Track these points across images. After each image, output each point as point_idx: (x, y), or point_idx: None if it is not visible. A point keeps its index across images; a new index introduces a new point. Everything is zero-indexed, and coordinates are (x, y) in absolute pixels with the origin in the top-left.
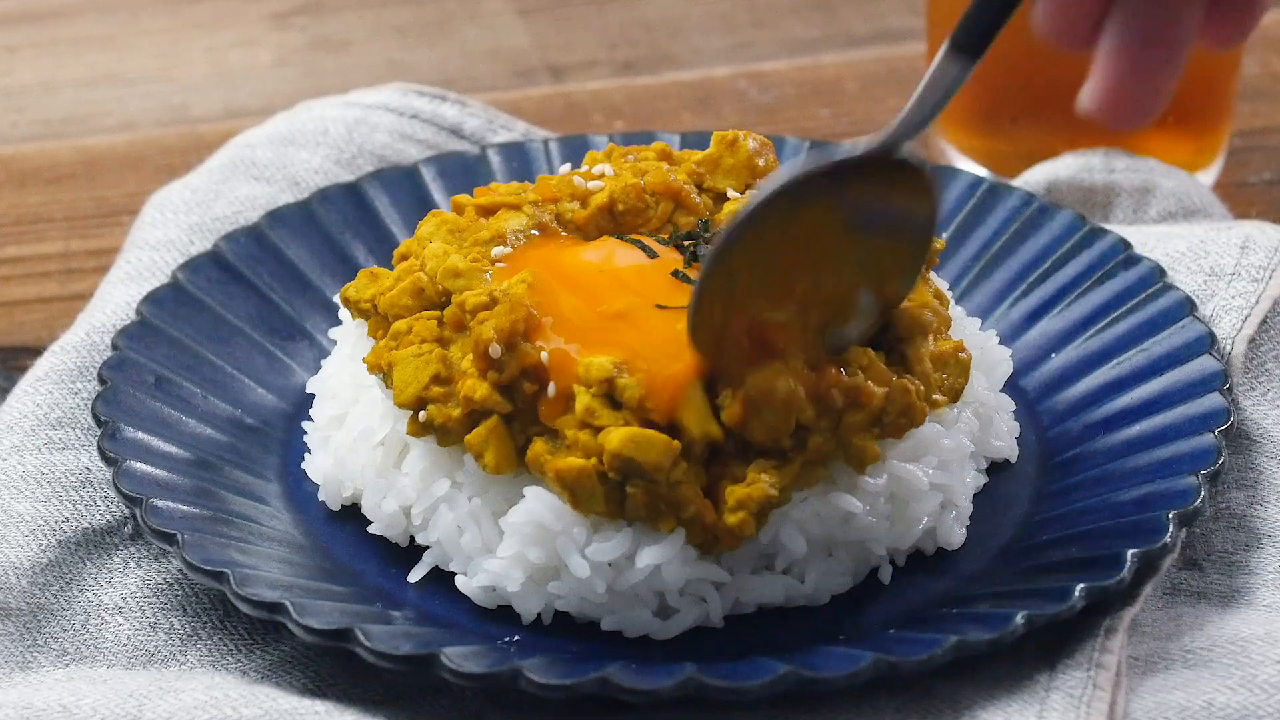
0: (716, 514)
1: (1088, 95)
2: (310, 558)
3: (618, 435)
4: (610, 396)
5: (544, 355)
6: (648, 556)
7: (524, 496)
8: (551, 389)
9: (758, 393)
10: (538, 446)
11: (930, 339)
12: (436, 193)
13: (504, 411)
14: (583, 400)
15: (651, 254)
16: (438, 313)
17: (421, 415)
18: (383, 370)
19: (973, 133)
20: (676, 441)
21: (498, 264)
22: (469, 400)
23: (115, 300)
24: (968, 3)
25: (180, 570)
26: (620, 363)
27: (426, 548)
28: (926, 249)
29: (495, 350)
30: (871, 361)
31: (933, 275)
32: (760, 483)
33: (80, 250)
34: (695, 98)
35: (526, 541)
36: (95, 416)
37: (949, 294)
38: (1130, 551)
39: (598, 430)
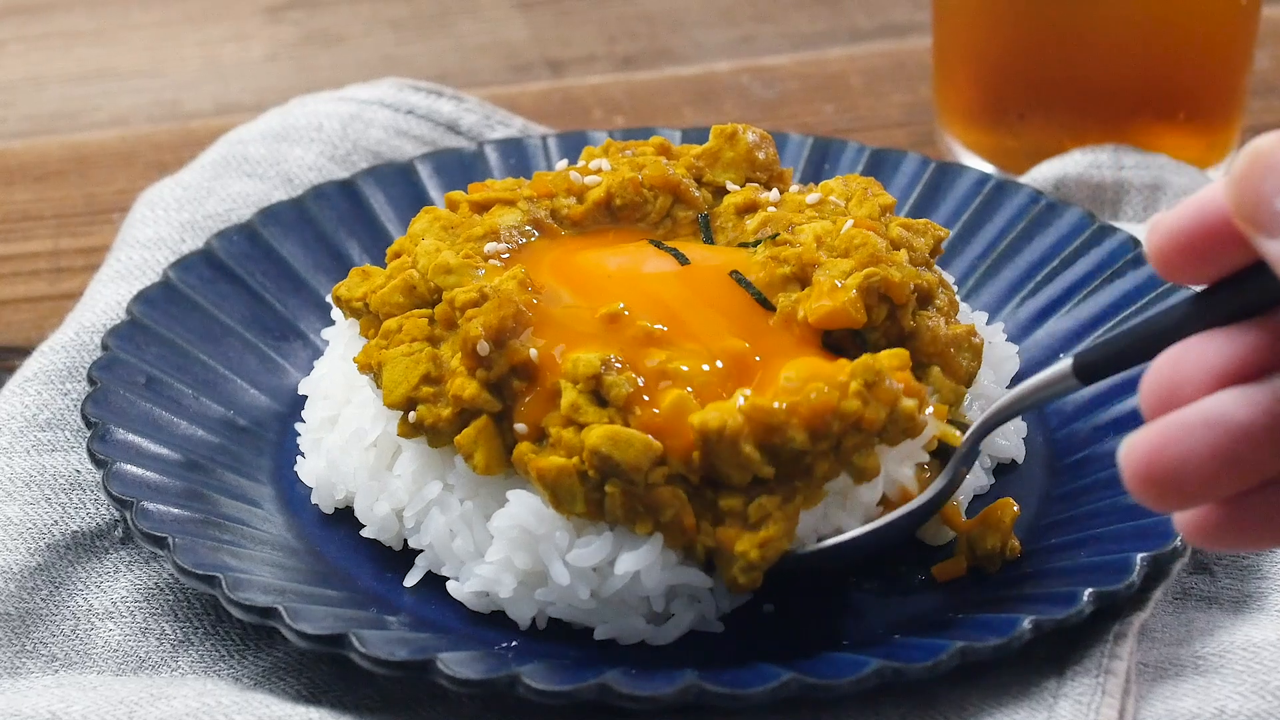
0: (714, 538)
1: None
2: (304, 562)
3: (597, 432)
4: (597, 394)
5: (532, 353)
6: (626, 563)
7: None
8: (521, 426)
9: (695, 433)
10: (523, 445)
11: (942, 321)
12: (432, 189)
13: (493, 410)
14: (569, 396)
15: (683, 259)
16: (429, 311)
17: (411, 416)
18: (373, 370)
19: (979, 129)
20: (658, 443)
21: (490, 260)
22: (458, 399)
23: (105, 299)
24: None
25: (171, 574)
26: (608, 360)
27: (420, 551)
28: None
29: (484, 347)
30: (878, 378)
31: (938, 267)
32: (774, 542)
33: (70, 248)
34: (696, 93)
35: (513, 546)
36: (85, 418)
37: (954, 290)
38: (1140, 555)
39: (582, 428)
